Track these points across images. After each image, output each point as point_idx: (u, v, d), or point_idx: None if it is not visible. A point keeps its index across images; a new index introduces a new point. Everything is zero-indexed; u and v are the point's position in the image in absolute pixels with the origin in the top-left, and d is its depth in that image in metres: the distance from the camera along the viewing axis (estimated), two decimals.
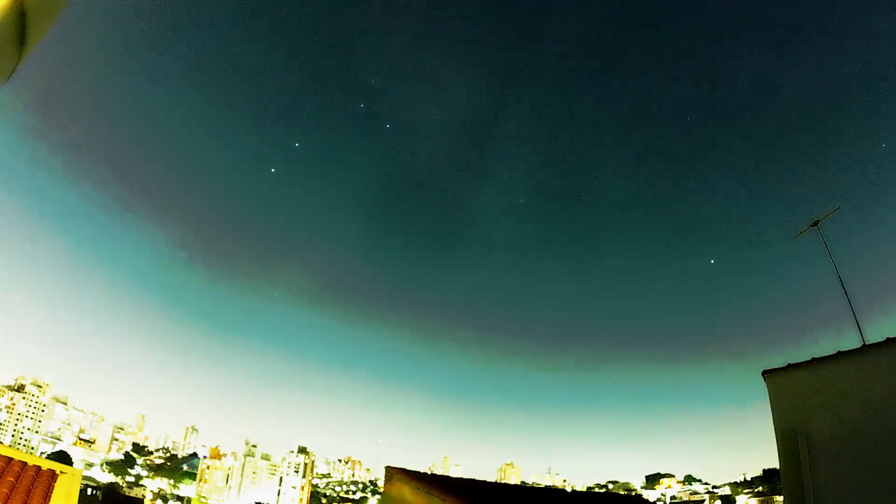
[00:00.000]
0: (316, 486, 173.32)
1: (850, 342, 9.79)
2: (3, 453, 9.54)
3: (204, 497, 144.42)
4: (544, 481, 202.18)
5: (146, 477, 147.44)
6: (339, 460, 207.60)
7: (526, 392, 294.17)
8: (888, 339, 8.58)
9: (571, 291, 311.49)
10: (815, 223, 11.71)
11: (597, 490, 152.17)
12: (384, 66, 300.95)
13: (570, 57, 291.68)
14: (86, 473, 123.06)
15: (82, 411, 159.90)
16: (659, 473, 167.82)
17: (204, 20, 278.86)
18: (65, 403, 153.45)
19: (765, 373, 10.53)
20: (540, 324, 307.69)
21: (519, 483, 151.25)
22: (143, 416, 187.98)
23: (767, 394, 10.44)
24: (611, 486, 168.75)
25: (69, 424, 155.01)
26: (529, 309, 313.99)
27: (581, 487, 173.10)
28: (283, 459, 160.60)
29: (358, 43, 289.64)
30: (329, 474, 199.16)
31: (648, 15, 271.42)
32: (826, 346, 9.29)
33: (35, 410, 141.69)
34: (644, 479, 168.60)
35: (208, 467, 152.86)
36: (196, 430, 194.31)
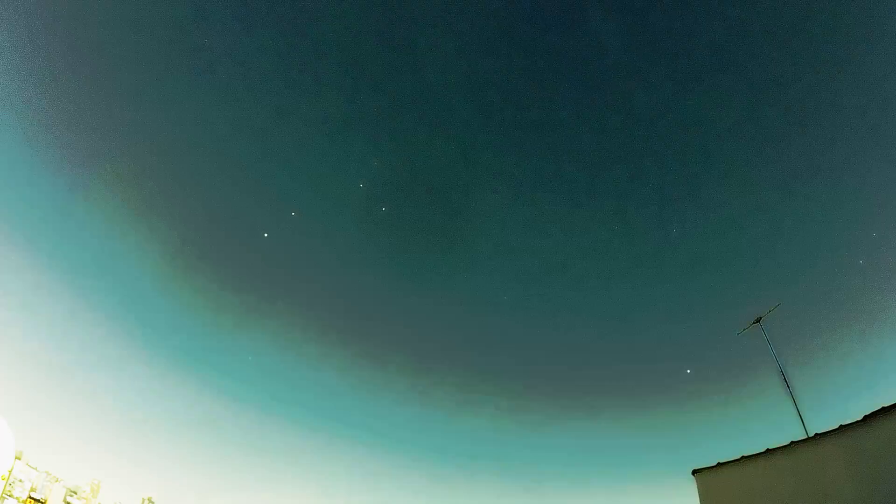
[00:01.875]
0: None
1: (796, 435, 9.07)
2: None
3: None
4: None
5: None
6: None
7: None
8: (816, 434, 7.87)
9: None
10: (758, 320, 11.40)
11: None
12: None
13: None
14: None
15: (35, 469, 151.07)
16: None
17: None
18: (19, 458, 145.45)
19: (694, 472, 9.74)
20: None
21: None
22: (98, 483, 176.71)
23: (697, 493, 9.54)
24: None
25: (21, 481, 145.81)
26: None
27: None
28: None
29: None
30: None
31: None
32: (771, 441, 8.57)
33: None
34: None
35: None
36: (153, 503, 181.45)
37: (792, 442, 8.18)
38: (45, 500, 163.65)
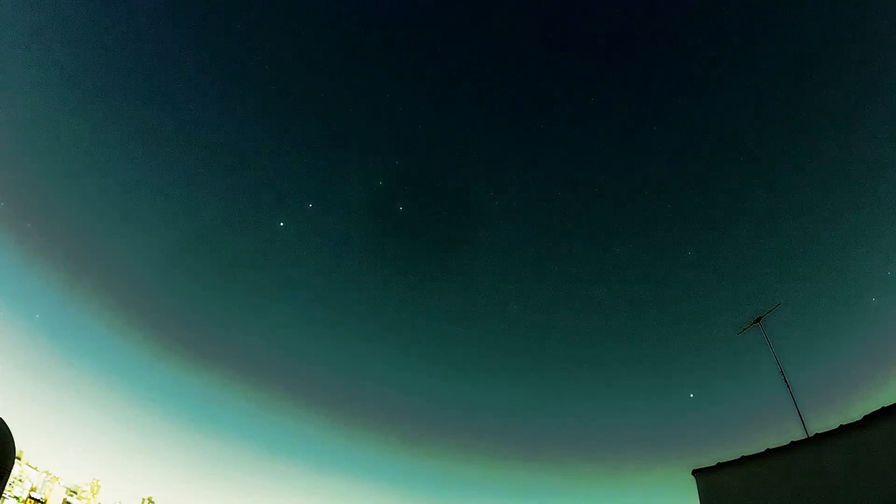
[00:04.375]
0: None
1: (796, 435, 9.07)
2: None
3: None
4: None
5: None
6: None
7: None
8: (816, 434, 7.86)
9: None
10: (758, 319, 11.39)
11: None
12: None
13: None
14: None
15: (36, 468, 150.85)
16: None
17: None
18: (19, 459, 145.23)
19: (695, 472, 9.73)
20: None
21: None
22: (97, 482, 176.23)
23: (697, 493, 9.54)
24: None
25: (21, 481, 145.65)
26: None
27: None
28: None
29: None
30: None
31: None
32: (771, 441, 8.56)
33: None
34: None
35: None
36: (153, 503, 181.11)
37: (792, 442, 8.17)
38: (45, 500, 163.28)
